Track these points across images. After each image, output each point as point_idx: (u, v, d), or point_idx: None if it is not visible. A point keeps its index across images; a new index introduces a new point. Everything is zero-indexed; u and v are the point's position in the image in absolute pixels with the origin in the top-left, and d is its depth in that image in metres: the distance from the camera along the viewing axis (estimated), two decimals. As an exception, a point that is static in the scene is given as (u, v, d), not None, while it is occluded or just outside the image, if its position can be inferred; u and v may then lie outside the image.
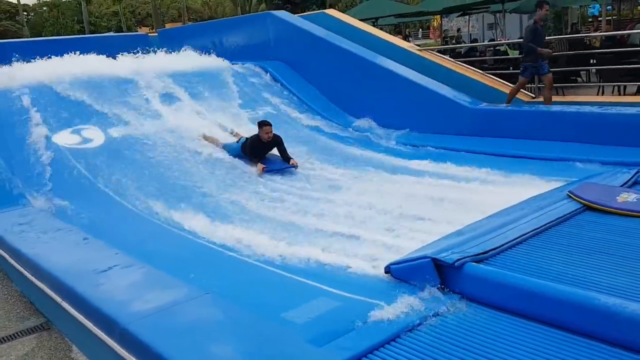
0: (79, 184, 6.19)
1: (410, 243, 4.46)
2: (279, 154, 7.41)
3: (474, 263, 3.55)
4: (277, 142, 7.36)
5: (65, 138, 7.21)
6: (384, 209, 5.51)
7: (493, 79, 9.38)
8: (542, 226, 4.18)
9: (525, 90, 8.96)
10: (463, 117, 8.50)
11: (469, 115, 8.47)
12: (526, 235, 4.03)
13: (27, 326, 3.27)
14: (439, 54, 10.16)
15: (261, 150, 7.36)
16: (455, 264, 3.50)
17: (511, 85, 8.88)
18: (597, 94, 10.30)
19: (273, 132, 7.32)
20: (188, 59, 10.05)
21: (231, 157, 7.55)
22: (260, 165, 7.13)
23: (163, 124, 7.98)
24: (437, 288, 3.54)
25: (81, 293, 2.77)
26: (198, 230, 5.17)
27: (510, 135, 7.87)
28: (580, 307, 3.00)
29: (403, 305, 3.35)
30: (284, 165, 7.25)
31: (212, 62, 10.14)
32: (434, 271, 3.58)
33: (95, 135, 7.52)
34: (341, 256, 4.38)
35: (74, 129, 7.50)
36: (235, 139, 7.87)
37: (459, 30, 28.44)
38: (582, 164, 6.48)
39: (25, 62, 8.95)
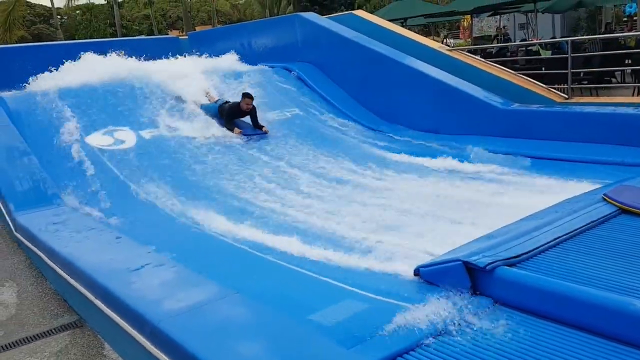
0: (111, 185, 6.29)
1: (442, 247, 4.40)
2: (250, 122, 8.57)
3: (506, 267, 3.49)
4: (252, 112, 8.49)
5: (98, 139, 7.36)
6: (409, 211, 5.47)
7: (525, 79, 9.22)
8: (575, 229, 4.09)
9: (558, 91, 8.79)
10: (495, 118, 8.38)
11: (501, 116, 8.35)
12: (559, 239, 3.95)
13: (61, 323, 3.33)
14: (469, 54, 10.03)
15: (237, 116, 8.50)
16: (487, 267, 3.44)
17: (542, 85, 8.73)
18: (633, 95, 10.06)
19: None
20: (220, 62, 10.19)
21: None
22: (237, 130, 8.30)
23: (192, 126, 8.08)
24: (468, 292, 3.49)
25: (113, 291, 2.81)
26: (226, 230, 5.20)
27: (542, 137, 7.73)
28: (615, 312, 2.92)
29: (433, 309, 3.32)
30: (255, 131, 8.46)
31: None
32: (465, 274, 3.53)
33: (127, 137, 7.64)
34: (370, 259, 4.35)
35: (106, 131, 7.63)
36: (207, 101, 8.85)
37: (504, 26, 27.54)
38: (617, 166, 6.34)
39: (71, 63, 9.24)
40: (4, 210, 4.63)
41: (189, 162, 7.24)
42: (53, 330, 3.25)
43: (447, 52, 10.04)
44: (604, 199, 4.59)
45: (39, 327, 3.29)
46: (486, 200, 5.75)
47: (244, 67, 10.37)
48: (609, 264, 3.56)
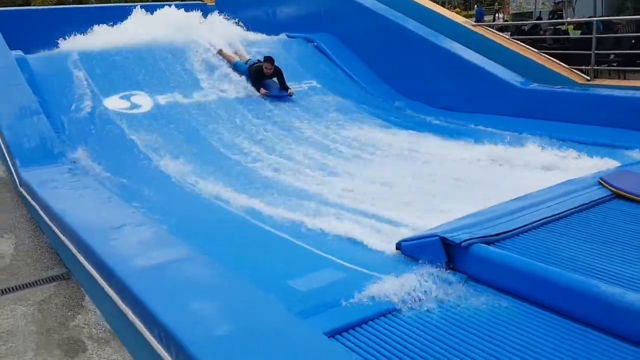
0: (120, 147, 6.50)
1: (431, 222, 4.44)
2: (278, 83, 8.73)
3: (482, 244, 3.52)
4: (278, 73, 8.66)
5: (114, 103, 7.52)
6: (407, 188, 5.49)
7: (548, 58, 9.02)
8: (564, 212, 4.09)
9: (580, 72, 8.58)
10: (512, 97, 8.26)
11: (519, 95, 8.23)
12: (545, 220, 3.96)
13: (50, 275, 3.51)
14: (493, 30, 9.83)
15: (263, 78, 8.64)
16: (462, 244, 3.49)
17: (565, 65, 8.54)
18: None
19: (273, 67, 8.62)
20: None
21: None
22: (262, 90, 8.51)
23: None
24: (443, 267, 3.54)
25: (92, 247, 2.95)
26: (226, 197, 5.32)
27: (560, 118, 7.58)
28: (579, 293, 2.96)
29: (404, 282, 3.39)
30: (282, 93, 8.62)
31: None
32: (442, 250, 3.59)
33: (143, 102, 7.79)
34: (357, 230, 4.42)
35: (123, 95, 7.79)
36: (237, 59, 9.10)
37: (558, 2, 26.06)
38: (631, 151, 6.22)
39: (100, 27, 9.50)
40: (11, 166, 4.83)
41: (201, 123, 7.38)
42: (41, 281, 3.43)
43: (472, 28, 9.87)
44: (600, 183, 4.55)
45: (29, 278, 3.48)
46: (489, 180, 5.70)
47: (261, 36, 10.39)
48: (589, 248, 3.57)
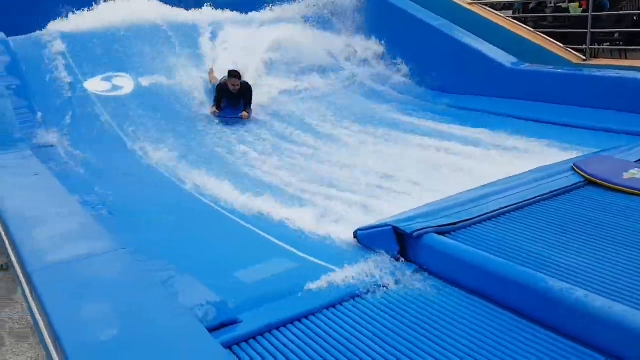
0: (99, 128, 6.43)
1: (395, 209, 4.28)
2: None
3: (434, 234, 3.37)
4: (244, 92, 7.37)
5: (95, 85, 7.40)
6: (374, 171, 5.34)
7: (545, 38, 8.73)
8: (531, 199, 3.92)
9: (575, 51, 8.28)
10: (502, 77, 8.01)
11: (509, 76, 7.97)
12: (509, 208, 3.79)
13: (-8, 266, 3.42)
14: (488, 8, 9.53)
15: (226, 96, 7.31)
16: (414, 234, 3.34)
17: (560, 45, 8.24)
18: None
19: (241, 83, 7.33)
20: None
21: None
22: (211, 109, 7.25)
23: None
24: (394, 257, 3.40)
25: (15, 238, 2.85)
26: (200, 184, 5.20)
27: (551, 100, 7.33)
28: (526, 288, 2.81)
29: (354, 272, 3.27)
30: (234, 115, 7.31)
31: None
32: (394, 240, 3.45)
33: (125, 84, 7.66)
34: (320, 220, 4.27)
35: (104, 76, 7.65)
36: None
37: None
38: (618, 134, 5.99)
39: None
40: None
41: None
42: (-19, 273, 3.35)
43: (467, 6, 9.58)
44: (573, 169, 4.35)
45: (-30, 269, 3.39)
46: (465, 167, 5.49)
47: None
48: (550, 238, 3.40)
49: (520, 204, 3.85)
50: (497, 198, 3.89)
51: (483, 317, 2.83)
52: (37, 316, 2.32)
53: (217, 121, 7.22)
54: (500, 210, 3.74)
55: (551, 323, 2.69)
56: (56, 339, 1.96)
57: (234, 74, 7.22)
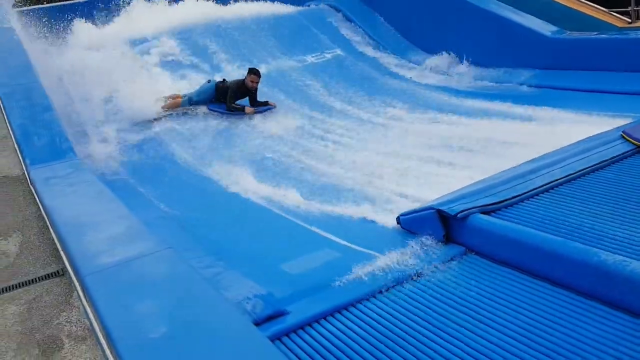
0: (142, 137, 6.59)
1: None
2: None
3: (480, 214, 3.31)
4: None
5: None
6: (408, 155, 5.26)
7: (586, 4, 8.39)
8: (578, 172, 3.79)
9: (619, 14, 7.92)
10: (543, 48, 7.75)
11: (551, 45, 7.71)
12: (555, 183, 3.68)
13: (47, 272, 3.54)
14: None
15: (243, 96, 7.26)
16: (459, 215, 3.28)
17: (602, 9, 7.90)
18: None
19: None
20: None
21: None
22: (249, 109, 7.06)
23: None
24: (440, 240, 3.35)
25: (67, 243, 2.95)
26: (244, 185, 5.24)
27: (596, 68, 7.05)
28: (579, 263, 2.72)
29: (398, 258, 3.26)
30: (266, 107, 7.21)
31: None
32: (439, 222, 3.40)
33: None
34: (363, 205, 4.26)
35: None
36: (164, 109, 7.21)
37: None
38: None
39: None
40: (23, 164, 4.93)
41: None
42: (37, 279, 3.47)
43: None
44: (622, 137, 4.18)
45: (27, 275, 3.52)
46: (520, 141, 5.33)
47: (283, 8, 10.17)
48: (600, 211, 3.29)
49: (568, 177, 3.73)
50: (543, 173, 3.77)
51: (535, 295, 2.77)
52: (92, 318, 2.41)
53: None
54: (547, 185, 3.64)
55: (607, 297, 2.61)
56: (110, 339, 2.02)
57: (255, 72, 7.21)
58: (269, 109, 7.22)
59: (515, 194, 3.51)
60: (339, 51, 9.05)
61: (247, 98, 7.29)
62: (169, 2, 10.23)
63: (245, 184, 5.05)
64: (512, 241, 3.02)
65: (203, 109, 7.23)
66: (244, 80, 7.21)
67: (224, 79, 7.42)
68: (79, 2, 11.44)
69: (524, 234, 3.00)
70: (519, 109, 6.34)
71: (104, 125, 6.78)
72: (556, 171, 3.78)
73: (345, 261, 3.37)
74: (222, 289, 2.90)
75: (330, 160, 5.59)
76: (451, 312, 2.72)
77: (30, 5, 12.19)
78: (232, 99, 7.13)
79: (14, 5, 10.83)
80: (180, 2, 10.43)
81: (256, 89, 7.26)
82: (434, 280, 3.04)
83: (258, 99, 7.31)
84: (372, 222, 3.94)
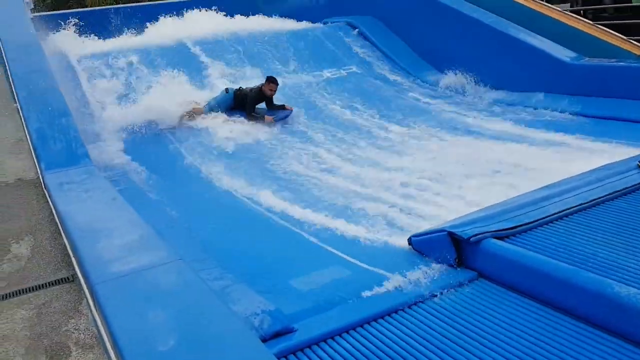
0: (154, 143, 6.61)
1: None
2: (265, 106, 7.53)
3: (493, 239, 3.28)
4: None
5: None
6: (436, 176, 5.23)
7: (604, 30, 8.38)
8: (593, 200, 3.76)
9: (638, 42, 7.91)
10: (563, 73, 7.74)
11: (570, 71, 7.70)
12: (570, 210, 3.65)
13: (57, 277, 3.55)
14: (544, 3, 9.26)
15: (259, 102, 7.45)
16: (471, 239, 3.26)
17: (621, 37, 7.89)
18: None
19: None
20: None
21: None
22: (268, 118, 7.21)
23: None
24: (451, 264, 3.33)
25: (79, 249, 2.96)
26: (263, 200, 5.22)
27: (612, 95, 7.03)
28: (592, 294, 2.68)
29: (409, 279, 3.23)
30: (285, 112, 7.39)
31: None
32: (451, 245, 3.38)
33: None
34: (375, 224, 4.26)
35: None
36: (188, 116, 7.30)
37: None
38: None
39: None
40: (38, 168, 4.97)
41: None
42: (47, 284, 3.47)
43: (522, 1, 9.32)
44: (638, 166, 4.15)
45: (37, 280, 3.53)
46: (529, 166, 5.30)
47: (301, 24, 10.29)
48: (614, 241, 3.26)
49: (583, 205, 3.70)
50: (558, 200, 3.75)
51: (546, 324, 2.74)
52: (100, 327, 2.41)
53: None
54: (562, 213, 3.61)
55: (619, 330, 2.57)
56: (117, 349, 2.01)
57: (273, 80, 7.38)
58: (287, 115, 7.38)
59: (529, 220, 3.48)
60: (354, 68, 9.10)
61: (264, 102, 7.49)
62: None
63: (259, 197, 5.05)
64: (524, 268, 2.99)
65: (223, 117, 7.30)
66: (261, 87, 7.37)
67: (240, 87, 7.58)
68: (94, 10, 11.68)
69: (537, 261, 2.98)
70: (534, 133, 6.34)
71: (120, 130, 6.84)
72: (570, 199, 3.75)
73: (354, 280, 3.37)
74: (231, 302, 2.89)
75: (344, 176, 5.59)
76: (460, 337, 2.70)
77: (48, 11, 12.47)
78: (251, 107, 7.32)
79: (32, 10, 11.02)
80: (195, 13, 10.68)
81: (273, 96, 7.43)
82: (444, 304, 3.02)
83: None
84: (384, 241, 3.92)
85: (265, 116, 7.24)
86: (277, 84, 7.41)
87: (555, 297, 2.83)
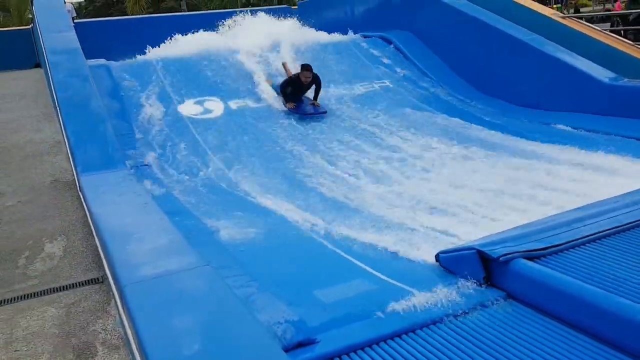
0: (193, 150, 6.72)
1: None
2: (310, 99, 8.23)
3: (523, 259, 3.22)
4: (315, 82, 8.13)
5: (188, 108, 7.77)
6: (455, 192, 5.19)
7: (642, 50, 8.23)
8: (628, 224, 3.66)
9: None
10: (599, 93, 7.61)
11: (607, 92, 7.56)
12: (604, 233, 3.56)
13: (87, 278, 3.63)
14: (584, 23, 9.14)
15: (296, 89, 8.10)
16: (501, 258, 3.21)
17: (663, 58, 7.73)
18: None
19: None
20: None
21: None
22: (290, 104, 8.00)
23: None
24: (479, 282, 3.28)
25: (111, 252, 3.02)
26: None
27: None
28: (625, 320, 2.60)
29: (435, 296, 3.19)
30: (316, 110, 8.01)
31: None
32: (479, 264, 3.33)
33: (215, 107, 8.00)
34: (403, 238, 4.23)
35: (197, 100, 8.03)
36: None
37: None
38: None
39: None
40: (74, 171, 5.09)
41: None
42: (77, 284, 3.56)
43: (561, 20, 9.23)
44: (677, 191, 4.04)
45: (67, 280, 3.62)
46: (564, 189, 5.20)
47: (335, 37, 10.35)
48: (649, 266, 3.15)
49: (616, 228, 3.60)
50: (590, 222, 3.66)
51: (574, 348, 2.67)
52: (127, 328, 2.44)
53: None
54: (594, 236, 3.52)
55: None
56: (143, 351, 2.04)
57: (307, 67, 7.99)
58: (320, 112, 7.95)
59: (561, 242, 3.41)
60: (388, 82, 9.10)
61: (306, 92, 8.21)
62: None
63: (289, 208, 5.08)
64: (554, 290, 2.93)
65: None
66: (298, 75, 8.05)
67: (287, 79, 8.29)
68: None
69: (568, 283, 2.91)
70: (570, 154, 6.22)
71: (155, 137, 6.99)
72: (604, 221, 3.67)
73: (379, 294, 3.34)
74: (255, 310, 2.90)
75: (372, 191, 5.58)
76: (485, 357, 2.65)
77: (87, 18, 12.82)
78: (285, 85, 8.09)
79: (74, 18, 11.37)
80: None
81: (313, 82, 8.08)
82: (470, 323, 2.97)
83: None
84: (411, 257, 3.89)
85: (289, 103, 7.98)
86: (311, 71, 7.97)
87: (585, 321, 2.76)
